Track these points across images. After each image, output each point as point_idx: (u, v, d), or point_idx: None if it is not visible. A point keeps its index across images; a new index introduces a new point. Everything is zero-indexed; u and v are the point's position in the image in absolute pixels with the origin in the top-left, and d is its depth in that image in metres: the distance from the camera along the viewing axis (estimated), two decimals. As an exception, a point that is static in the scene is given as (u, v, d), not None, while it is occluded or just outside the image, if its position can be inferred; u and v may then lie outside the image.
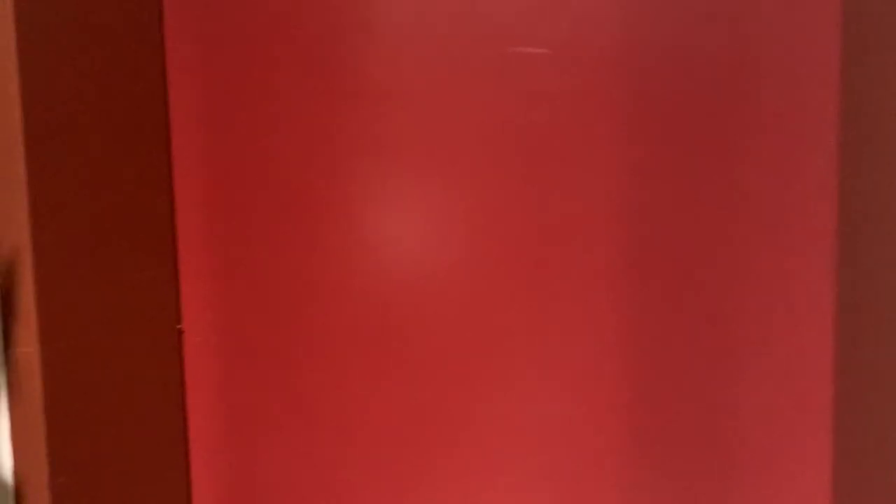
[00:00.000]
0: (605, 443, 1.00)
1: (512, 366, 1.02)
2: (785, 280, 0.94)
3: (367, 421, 1.06)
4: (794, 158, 0.92)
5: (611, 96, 0.97)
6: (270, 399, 1.10)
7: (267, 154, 1.07)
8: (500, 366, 1.02)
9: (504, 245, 1.01)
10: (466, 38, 1.00)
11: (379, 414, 1.06)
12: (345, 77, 1.04)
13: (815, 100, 0.91)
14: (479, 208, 1.02)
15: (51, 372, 0.87)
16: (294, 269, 1.07)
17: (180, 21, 1.07)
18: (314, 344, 1.07)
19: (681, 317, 0.98)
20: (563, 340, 1.00)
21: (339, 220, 1.06)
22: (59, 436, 0.88)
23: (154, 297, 1.05)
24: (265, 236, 1.08)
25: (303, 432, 1.09)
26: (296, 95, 1.06)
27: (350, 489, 1.08)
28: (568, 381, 1.01)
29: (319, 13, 1.04)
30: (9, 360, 0.87)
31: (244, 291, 1.09)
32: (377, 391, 1.06)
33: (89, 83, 0.94)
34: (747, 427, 0.96)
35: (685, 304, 0.97)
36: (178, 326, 1.09)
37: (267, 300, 1.08)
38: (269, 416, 1.10)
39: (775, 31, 0.91)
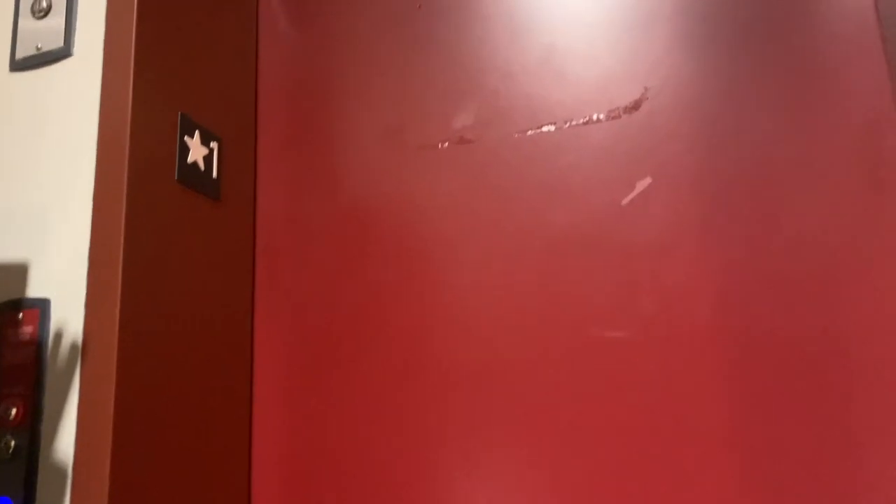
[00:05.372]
0: None
1: None
2: None
3: None
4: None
5: (694, 378, 0.94)
6: None
7: (350, 440, 1.05)
8: None
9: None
10: (550, 321, 1.00)
11: None
12: (429, 359, 1.05)
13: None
14: (567, 491, 0.95)
15: None
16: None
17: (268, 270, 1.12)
18: None
19: None
20: None
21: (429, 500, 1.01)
22: None
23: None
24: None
25: None
26: (383, 380, 1.07)
27: None
28: None
29: (406, 296, 1.08)
30: None
31: None
32: None
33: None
34: None
35: None
36: None
37: None
38: None
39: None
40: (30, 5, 1.03)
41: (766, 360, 0.91)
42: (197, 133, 1.06)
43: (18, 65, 1.03)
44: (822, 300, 0.90)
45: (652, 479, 0.93)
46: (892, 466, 0.84)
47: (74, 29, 1.01)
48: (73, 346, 0.90)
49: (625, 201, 1.01)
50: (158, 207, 0.97)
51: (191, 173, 1.04)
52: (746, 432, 0.90)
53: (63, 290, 0.93)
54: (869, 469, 0.85)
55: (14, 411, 0.89)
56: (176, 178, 1.00)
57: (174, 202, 1.00)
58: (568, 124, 1.06)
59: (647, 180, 1.00)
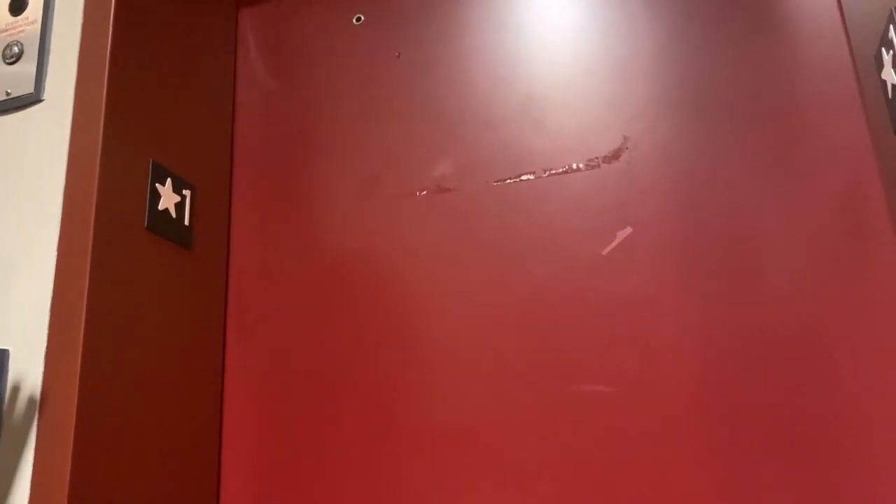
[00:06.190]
0: None
1: None
2: None
3: None
4: None
5: (676, 433, 0.91)
6: None
7: (325, 500, 1.01)
8: None
9: None
10: (529, 375, 0.97)
11: None
12: (405, 415, 1.01)
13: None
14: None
15: None
16: None
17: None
18: None
19: None
20: None
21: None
22: None
23: None
24: None
25: None
26: (358, 436, 1.02)
27: None
28: None
29: (382, 349, 1.05)
30: None
31: None
32: None
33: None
34: None
35: None
36: None
37: None
38: None
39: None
40: (0, 50, 1.02)
41: (748, 415, 0.88)
42: (169, 180, 1.04)
43: (-13, 110, 1.01)
44: (805, 354, 0.88)
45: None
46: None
47: (46, 74, 0.99)
48: (31, 401, 0.86)
49: (605, 251, 0.99)
50: (126, 255, 0.94)
51: (161, 221, 1.01)
52: (730, 488, 0.87)
53: (23, 341, 0.89)
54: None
55: (-36, 470, 0.84)
56: (145, 225, 0.98)
57: (143, 250, 0.97)
58: (547, 173, 1.05)
59: (628, 230, 0.99)
